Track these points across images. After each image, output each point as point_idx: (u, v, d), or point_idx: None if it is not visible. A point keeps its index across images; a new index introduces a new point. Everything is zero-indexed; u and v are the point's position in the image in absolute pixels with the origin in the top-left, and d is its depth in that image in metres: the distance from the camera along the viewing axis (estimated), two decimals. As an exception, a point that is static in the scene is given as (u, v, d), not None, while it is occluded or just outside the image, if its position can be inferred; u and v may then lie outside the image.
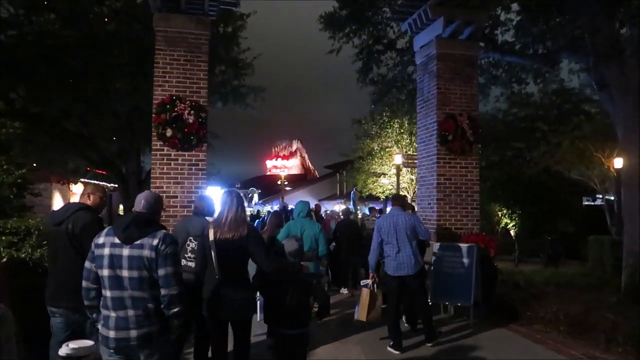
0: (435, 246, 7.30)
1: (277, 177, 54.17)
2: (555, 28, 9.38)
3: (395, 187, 18.38)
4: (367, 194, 21.56)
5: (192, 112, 7.12)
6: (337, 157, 29.60)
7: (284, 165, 74.49)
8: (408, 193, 19.90)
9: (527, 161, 17.50)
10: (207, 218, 4.52)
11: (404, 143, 19.08)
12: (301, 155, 78.02)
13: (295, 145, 78.91)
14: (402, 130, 18.83)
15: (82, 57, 11.86)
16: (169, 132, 7.05)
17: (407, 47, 11.61)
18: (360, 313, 5.69)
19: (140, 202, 3.13)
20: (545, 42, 9.92)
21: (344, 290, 9.31)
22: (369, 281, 5.79)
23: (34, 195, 9.02)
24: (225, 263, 3.66)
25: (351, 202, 18.74)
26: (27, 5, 11.45)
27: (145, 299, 2.86)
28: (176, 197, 7.19)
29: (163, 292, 2.85)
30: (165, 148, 7.19)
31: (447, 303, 7.29)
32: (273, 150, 79.49)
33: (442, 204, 8.19)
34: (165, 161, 7.20)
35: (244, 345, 3.84)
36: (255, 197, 50.70)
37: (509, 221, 16.71)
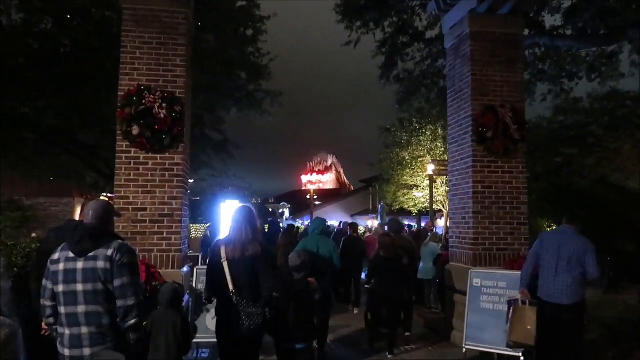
0: (472, 274, 5.64)
1: (313, 192, 53.10)
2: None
3: (429, 200, 16.63)
4: (397, 207, 19.83)
5: (164, 105, 5.77)
6: (372, 171, 27.96)
7: (319, 180, 74.44)
8: (444, 207, 18.11)
9: (579, 170, 15.47)
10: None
11: (437, 152, 17.37)
12: (336, 170, 77.66)
13: (330, 160, 78.75)
14: (435, 137, 17.10)
15: (77, 61, 11.08)
16: (135, 130, 5.73)
17: (436, 37, 10.06)
18: (509, 332, 4.87)
19: (89, 213, 3.00)
20: (606, 18, 8.13)
21: (356, 311, 8.95)
22: (519, 297, 4.97)
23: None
24: (236, 281, 3.66)
25: (379, 217, 17.09)
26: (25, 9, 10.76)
27: (99, 314, 2.78)
28: (145, 209, 5.84)
29: (119, 303, 2.77)
30: (132, 150, 5.88)
31: (485, 349, 5.52)
32: (308, 165, 79.53)
33: (480, 218, 6.53)
34: (132, 166, 5.88)
35: None
36: (287, 212, 49.57)
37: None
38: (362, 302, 7.96)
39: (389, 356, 6.11)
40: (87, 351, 2.75)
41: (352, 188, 65.84)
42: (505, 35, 6.78)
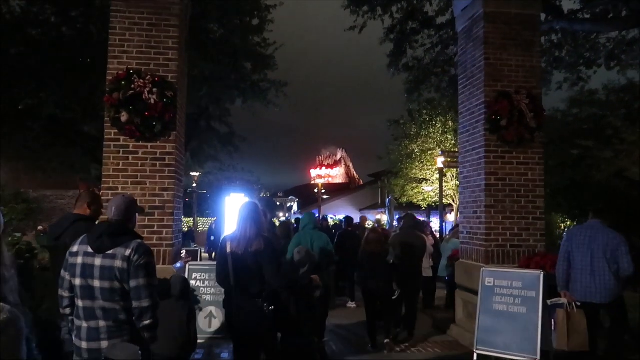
0: (484, 272, 5.22)
1: (320, 186, 52.91)
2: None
3: (439, 194, 16.16)
4: (405, 202, 19.35)
5: (154, 89, 5.40)
6: (381, 165, 27.43)
7: (328, 174, 74.34)
8: (454, 202, 17.63)
9: (596, 164, 14.90)
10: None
11: (448, 145, 16.85)
12: (346, 164, 77.49)
13: (339, 154, 78.63)
14: (445, 129, 16.58)
15: (78, 50, 10.82)
16: (124, 117, 5.37)
17: (447, 23, 9.59)
18: (559, 340, 4.67)
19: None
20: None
21: (352, 304, 8.94)
22: (564, 300, 4.75)
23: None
24: (240, 276, 3.68)
25: (386, 211, 16.66)
26: None
27: (116, 310, 2.79)
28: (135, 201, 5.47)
29: (134, 304, 2.78)
30: (121, 138, 5.53)
31: (499, 354, 5.05)
32: (317, 159, 79.49)
33: (493, 212, 6.10)
34: (121, 155, 5.53)
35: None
36: (295, 206, 49.28)
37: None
38: (359, 297, 7.61)
39: (384, 352, 5.93)
40: (104, 344, 2.78)
41: (361, 182, 65.50)
42: (521, 16, 6.31)
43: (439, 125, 16.70)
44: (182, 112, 6.04)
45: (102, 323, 2.78)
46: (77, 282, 2.82)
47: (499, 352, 4.86)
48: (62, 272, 2.91)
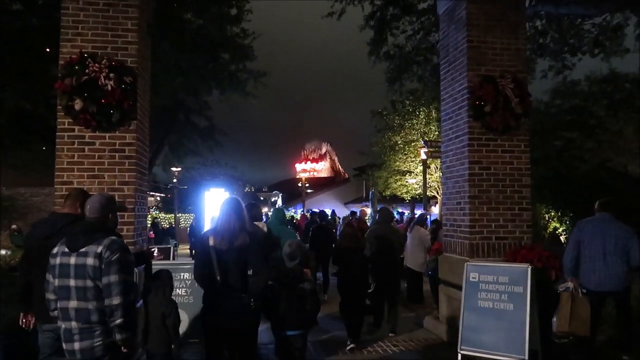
0: (468, 267, 4.89)
1: (305, 180, 52.62)
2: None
3: (422, 186, 15.88)
4: (389, 194, 19.05)
5: (111, 75, 4.96)
6: (365, 158, 27.13)
7: (313, 168, 74.14)
8: (438, 194, 17.39)
9: (579, 154, 14.77)
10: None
11: (431, 136, 16.56)
12: (331, 158, 77.34)
13: (324, 148, 78.49)
14: (429, 120, 16.27)
15: (43, 40, 10.24)
16: (77, 104, 4.91)
17: (429, 8, 9.23)
18: (560, 322, 4.92)
19: (87, 207, 2.99)
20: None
21: (325, 297, 8.69)
22: (570, 284, 4.97)
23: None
24: (224, 271, 3.60)
25: (370, 204, 16.36)
26: None
27: (88, 311, 2.76)
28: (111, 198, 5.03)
29: (105, 302, 2.73)
30: (76, 128, 5.07)
31: (484, 355, 4.72)
32: (302, 153, 79.27)
33: (477, 203, 5.79)
34: (75, 146, 5.08)
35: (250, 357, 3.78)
36: (279, 201, 48.83)
37: (558, 225, 14.04)
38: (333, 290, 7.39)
39: (350, 344, 5.78)
40: (77, 345, 2.77)
41: (347, 176, 65.45)
42: (505, -3, 5.99)
43: (422, 116, 16.38)
44: (145, 100, 5.60)
45: (74, 324, 2.77)
46: (56, 282, 2.82)
47: (484, 352, 4.53)
48: (47, 275, 2.91)
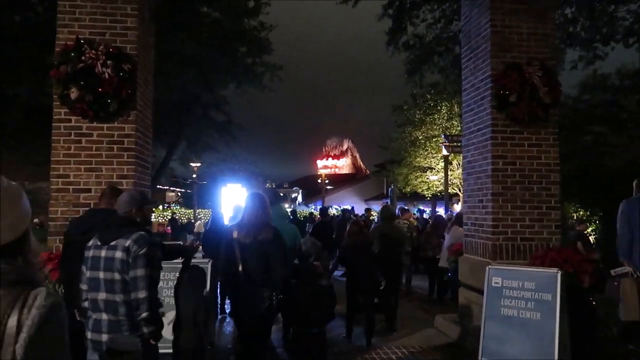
0: (490, 271, 4.47)
1: (325, 177, 52.33)
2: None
3: (444, 183, 15.36)
4: (410, 191, 18.54)
5: (108, 62, 4.68)
6: (385, 154, 26.55)
7: (334, 164, 73.91)
8: (460, 191, 16.84)
9: (610, 151, 14.07)
10: None
11: (453, 131, 15.99)
12: (352, 155, 76.98)
13: (346, 144, 78.15)
14: (451, 115, 15.70)
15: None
16: (73, 93, 4.65)
17: (451, -5, 8.78)
18: (630, 311, 4.47)
19: (119, 202, 3.11)
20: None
21: None
22: (627, 268, 4.65)
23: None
24: (247, 264, 3.68)
25: (389, 201, 15.93)
26: None
27: (116, 303, 2.81)
28: (89, 190, 4.80)
29: (132, 295, 2.79)
30: (73, 118, 4.83)
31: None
32: (324, 150, 79.19)
33: (501, 201, 5.35)
34: (72, 137, 4.84)
35: (261, 347, 3.83)
36: (299, 197, 48.64)
37: (587, 224, 13.36)
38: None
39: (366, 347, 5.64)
40: (104, 337, 2.81)
41: (368, 172, 65.10)
42: (533, -23, 5.51)
43: (444, 111, 15.82)
44: (146, 90, 5.32)
45: (104, 316, 2.82)
46: (88, 274, 2.89)
47: (508, 365, 4.12)
48: (82, 266, 2.97)
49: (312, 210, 33.61)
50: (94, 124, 4.84)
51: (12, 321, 1.10)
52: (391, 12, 9.16)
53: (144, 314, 2.77)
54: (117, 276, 2.79)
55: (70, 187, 4.78)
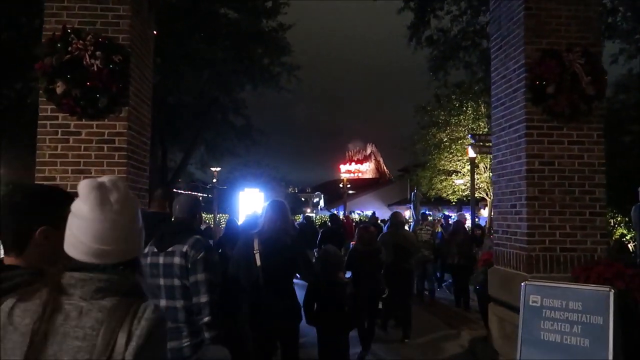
0: (527, 287, 3.84)
1: (347, 181, 51.87)
2: None
3: (470, 187, 14.61)
4: (434, 196, 17.80)
5: (97, 53, 4.26)
6: (407, 157, 25.85)
7: (357, 169, 73.60)
8: (487, 195, 16.06)
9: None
10: None
11: (480, 133, 15.23)
12: (376, 159, 76.57)
13: (369, 148, 77.83)
14: (477, 116, 14.95)
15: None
16: (59, 87, 4.24)
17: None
18: None
19: (175, 206, 3.09)
20: None
21: None
22: None
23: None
24: (269, 273, 3.62)
25: (412, 206, 15.25)
26: None
27: (175, 309, 2.79)
28: (77, 194, 4.35)
29: (193, 300, 2.77)
30: (60, 115, 4.41)
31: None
32: (347, 154, 79.05)
33: (537, 206, 4.71)
34: (59, 136, 4.42)
35: (292, 357, 3.76)
36: (321, 202, 48.13)
37: (625, 232, 12.51)
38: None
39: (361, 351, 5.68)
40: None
41: (392, 177, 64.51)
42: (572, -47, 4.88)
43: (470, 112, 15.09)
44: (142, 85, 4.88)
45: None
46: (147, 281, 2.76)
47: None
48: None
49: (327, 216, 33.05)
50: (83, 122, 4.41)
51: (124, 330, 1.17)
52: (413, 5, 8.61)
53: (206, 319, 2.74)
54: (177, 282, 2.78)
55: (57, 191, 4.35)
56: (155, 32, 10.18)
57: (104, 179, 1.34)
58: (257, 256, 3.65)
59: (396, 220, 6.99)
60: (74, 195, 1.37)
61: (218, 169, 26.13)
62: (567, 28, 4.83)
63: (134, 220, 1.32)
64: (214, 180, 27.40)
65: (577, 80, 4.60)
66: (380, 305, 5.94)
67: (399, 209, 30.95)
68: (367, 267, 5.79)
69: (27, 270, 1.38)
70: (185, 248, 2.80)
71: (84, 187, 1.30)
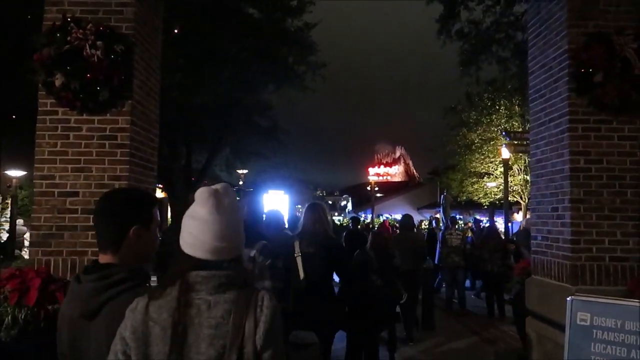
0: (574, 303, 3.33)
1: (376, 184, 51.29)
2: None
3: (503, 190, 13.91)
4: (465, 199, 17.10)
5: (98, 43, 3.97)
6: (436, 158, 25.19)
7: (386, 172, 73.04)
8: (522, 199, 15.30)
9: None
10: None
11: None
12: (405, 162, 75.73)
13: (398, 151, 77.14)
14: (511, 115, 14.23)
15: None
16: (58, 80, 3.96)
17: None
18: None
19: (242, 209, 3.12)
20: None
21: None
22: None
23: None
24: (310, 274, 3.67)
25: (441, 209, 14.67)
26: None
27: None
28: (76, 194, 4.08)
29: None
30: (60, 110, 4.14)
31: None
32: (376, 157, 78.57)
33: (583, 209, 4.18)
34: (59, 132, 4.14)
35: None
36: (349, 205, 47.68)
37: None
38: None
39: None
40: None
41: (421, 180, 63.51)
42: None
43: (502, 111, 14.39)
44: (148, 78, 4.58)
45: None
46: None
47: None
48: None
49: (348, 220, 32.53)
50: (84, 117, 4.13)
51: (250, 318, 1.37)
52: (442, -4, 8.12)
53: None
54: None
55: (56, 191, 4.08)
56: (176, 30, 9.86)
57: (217, 186, 1.51)
58: (299, 259, 3.72)
59: (403, 223, 7.31)
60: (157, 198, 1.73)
61: (245, 171, 26.01)
62: (616, 10, 4.29)
63: (240, 220, 1.51)
64: (240, 183, 27.30)
65: (628, 67, 4.05)
66: (397, 309, 5.85)
67: (428, 212, 30.19)
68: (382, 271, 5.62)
69: (124, 268, 1.58)
70: (252, 252, 2.82)
71: (202, 193, 1.47)
